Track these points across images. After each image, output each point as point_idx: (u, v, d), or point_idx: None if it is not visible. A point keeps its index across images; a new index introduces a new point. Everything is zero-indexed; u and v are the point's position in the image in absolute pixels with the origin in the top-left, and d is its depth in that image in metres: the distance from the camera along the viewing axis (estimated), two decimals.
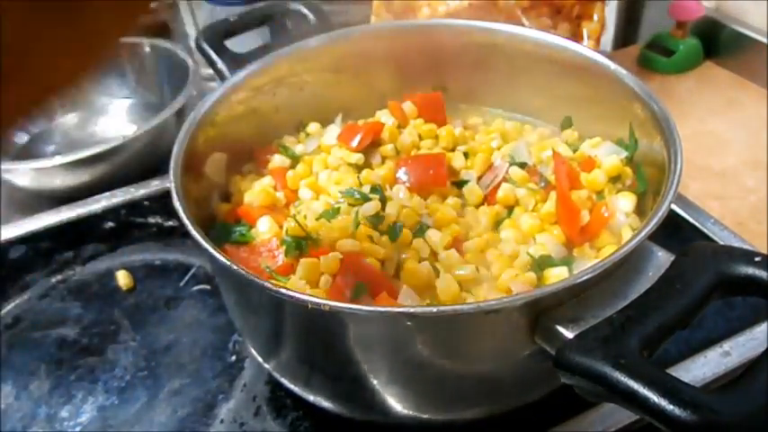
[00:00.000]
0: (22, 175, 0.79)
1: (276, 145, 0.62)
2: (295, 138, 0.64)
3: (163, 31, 1.11)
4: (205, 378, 0.57)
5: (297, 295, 0.40)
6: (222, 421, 0.54)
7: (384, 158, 0.59)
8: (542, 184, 0.56)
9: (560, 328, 0.39)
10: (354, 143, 0.59)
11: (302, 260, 0.47)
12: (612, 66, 0.57)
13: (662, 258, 0.43)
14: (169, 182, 0.48)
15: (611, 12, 1.02)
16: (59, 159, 0.76)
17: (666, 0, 0.96)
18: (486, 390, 0.47)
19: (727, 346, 0.56)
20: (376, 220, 0.51)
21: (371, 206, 0.51)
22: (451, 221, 0.52)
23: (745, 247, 0.63)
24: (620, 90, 0.56)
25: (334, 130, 0.62)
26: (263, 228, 0.52)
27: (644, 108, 0.53)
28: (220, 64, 0.62)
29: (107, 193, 0.75)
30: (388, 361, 0.44)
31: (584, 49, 0.61)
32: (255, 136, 0.62)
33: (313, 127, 0.63)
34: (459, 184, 0.56)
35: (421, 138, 0.61)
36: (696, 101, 0.92)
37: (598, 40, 0.82)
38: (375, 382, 0.45)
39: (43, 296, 0.67)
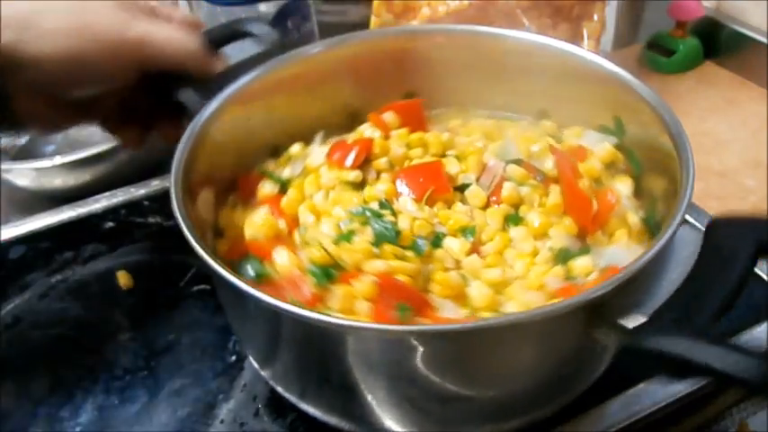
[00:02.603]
0: (22, 175, 0.79)
1: (259, 172, 0.59)
2: (275, 162, 0.61)
3: None
4: (205, 378, 0.57)
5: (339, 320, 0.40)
6: (222, 421, 0.54)
7: (379, 172, 0.57)
8: (539, 178, 0.56)
9: (623, 318, 0.40)
10: (349, 161, 0.56)
11: (336, 289, 0.45)
12: (606, 64, 0.57)
13: (688, 234, 0.44)
14: (173, 210, 0.46)
15: (611, 12, 1.02)
16: (59, 159, 0.76)
17: (666, 0, 0.96)
18: (528, 399, 0.48)
19: None
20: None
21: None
22: (466, 227, 0.52)
23: None
24: (607, 84, 0.57)
25: (318, 149, 0.60)
26: (282, 260, 0.48)
27: (651, 114, 0.53)
28: (183, 97, 0.57)
29: (107, 193, 0.75)
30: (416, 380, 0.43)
31: (560, 42, 0.61)
32: (235, 166, 0.59)
33: (296, 148, 0.60)
34: (461, 188, 0.55)
35: (409, 147, 0.59)
36: (696, 101, 0.92)
37: (598, 40, 0.82)
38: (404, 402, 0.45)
39: (43, 296, 0.67)
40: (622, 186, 0.55)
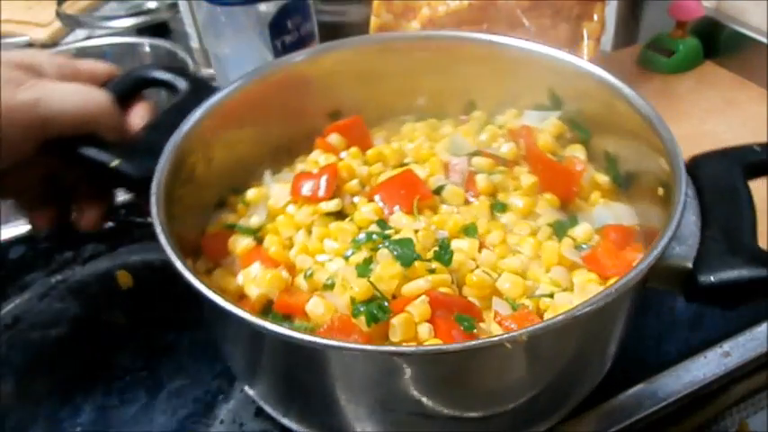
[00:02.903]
0: None
1: (221, 228, 0.56)
2: (235, 213, 0.57)
3: (163, 31, 1.11)
4: (205, 378, 0.57)
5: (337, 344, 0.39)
6: (222, 421, 0.54)
7: (352, 195, 0.55)
8: (501, 164, 0.58)
9: (678, 263, 0.43)
10: (322, 192, 0.54)
11: (394, 322, 0.44)
12: (533, 46, 0.60)
13: None
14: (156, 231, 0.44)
15: (611, 12, 1.02)
16: None
17: (666, 0, 0.96)
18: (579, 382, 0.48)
19: (727, 346, 0.56)
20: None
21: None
22: (466, 226, 0.52)
23: None
24: (534, 63, 0.59)
25: (276, 188, 0.57)
26: (319, 310, 0.46)
27: (650, 132, 0.52)
28: (101, 155, 0.52)
29: None
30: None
31: (475, 34, 0.63)
32: (192, 227, 0.54)
33: (252, 193, 0.57)
34: (436, 191, 0.55)
35: (367, 163, 0.58)
36: (696, 101, 0.92)
37: (598, 40, 0.82)
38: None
39: (43, 296, 0.67)
40: (579, 153, 0.58)
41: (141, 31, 1.09)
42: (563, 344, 0.42)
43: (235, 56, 0.80)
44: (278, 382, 0.48)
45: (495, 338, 0.38)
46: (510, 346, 0.37)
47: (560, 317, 0.38)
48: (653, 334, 0.58)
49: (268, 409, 0.52)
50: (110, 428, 0.55)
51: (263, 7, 0.76)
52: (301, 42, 0.81)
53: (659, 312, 0.60)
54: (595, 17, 0.81)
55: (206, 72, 0.94)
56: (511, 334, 0.38)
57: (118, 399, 0.57)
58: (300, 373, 0.44)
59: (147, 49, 0.97)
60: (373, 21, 0.84)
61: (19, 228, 0.73)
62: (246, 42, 0.78)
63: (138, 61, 0.98)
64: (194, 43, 0.97)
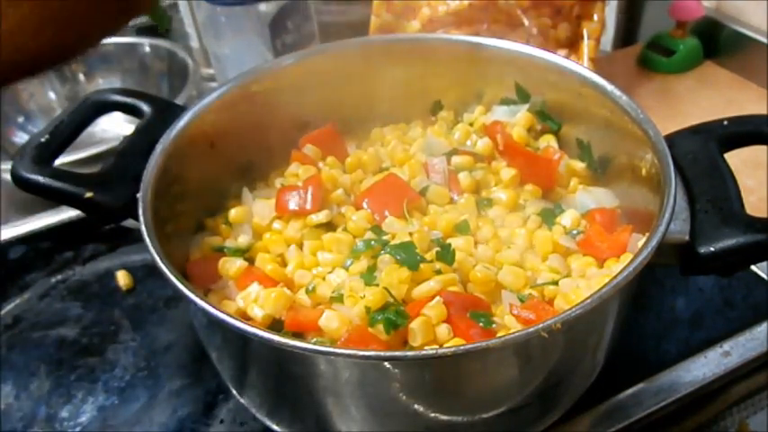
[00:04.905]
0: None
1: (206, 252, 0.53)
2: (215, 236, 0.55)
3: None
4: (205, 378, 0.58)
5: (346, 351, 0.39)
6: (222, 421, 0.54)
7: (339, 205, 0.55)
8: (478, 160, 0.59)
9: (674, 237, 0.44)
10: (309, 205, 0.52)
11: (413, 326, 0.43)
12: (499, 43, 0.60)
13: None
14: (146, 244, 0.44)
15: (611, 12, 1.02)
16: (59, 159, 0.75)
17: (666, 0, 0.96)
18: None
19: (727, 346, 0.56)
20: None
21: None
22: (459, 225, 0.52)
23: None
24: (499, 58, 0.60)
25: (258, 205, 0.55)
26: (333, 324, 0.44)
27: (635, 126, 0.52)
28: (72, 188, 0.50)
29: None
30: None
31: (433, 35, 0.64)
32: (175, 256, 0.49)
33: (234, 212, 0.55)
34: (421, 192, 0.55)
35: (346, 171, 0.58)
36: (696, 101, 0.92)
37: (598, 40, 0.82)
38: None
39: (43, 296, 0.67)
40: (551, 143, 0.59)
41: (141, 31, 1.09)
42: (590, 326, 0.43)
43: (235, 56, 0.81)
44: (253, 382, 0.48)
45: (532, 329, 0.37)
46: (546, 335, 0.37)
47: (592, 299, 0.38)
48: (653, 333, 0.58)
49: (264, 419, 0.51)
50: (110, 428, 0.55)
51: (263, 7, 0.77)
52: (301, 42, 0.81)
53: (659, 312, 0.60)
54: (595, 17, 0.81)
55: (206, 72, 0.94)
56: (546, 322, 0.37)
57: (118, 399, 0.57)
58: (274, 373, 0.43)
59: (147, 49, 0.97)
60: (373, 21, 0.84)
61: (19, 228, 0.73)
62: (246, 42, 0.78)
63: (138, 61, 0.98)
64: (194, 43, 0.98)
